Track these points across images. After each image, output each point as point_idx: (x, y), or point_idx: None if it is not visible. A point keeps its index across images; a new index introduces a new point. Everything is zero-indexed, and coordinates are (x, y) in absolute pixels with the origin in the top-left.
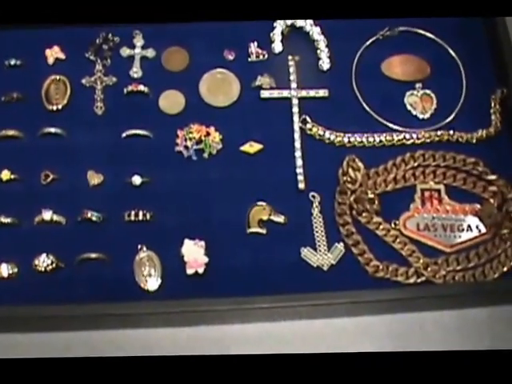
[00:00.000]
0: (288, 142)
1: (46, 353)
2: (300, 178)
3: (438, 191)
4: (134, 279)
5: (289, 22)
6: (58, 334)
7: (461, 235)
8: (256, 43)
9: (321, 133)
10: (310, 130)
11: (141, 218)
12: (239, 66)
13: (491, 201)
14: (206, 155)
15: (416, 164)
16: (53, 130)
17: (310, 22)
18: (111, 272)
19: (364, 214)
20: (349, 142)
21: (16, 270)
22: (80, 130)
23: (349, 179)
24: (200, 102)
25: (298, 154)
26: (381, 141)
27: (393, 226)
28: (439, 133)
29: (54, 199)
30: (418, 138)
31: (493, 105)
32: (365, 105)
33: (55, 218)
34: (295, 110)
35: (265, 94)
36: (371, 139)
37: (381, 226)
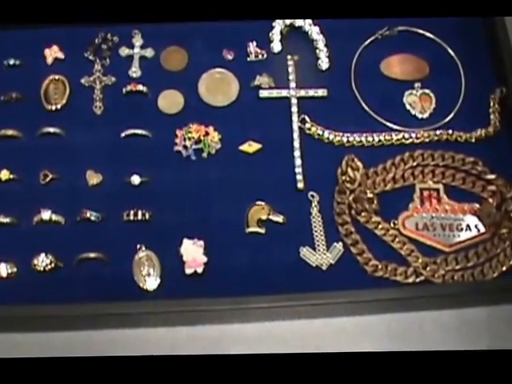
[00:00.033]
0: (287, 141)
1: (45, 352)
2: (299, 177)
3: (437, 191)
4: (133, 279)
5: (288, 21)
6: (57, 333)
7: (460, 235)
8: (255, 43)
9: (320, 132)
10: (309, 129)
11: (140, 217)
12: (238, 65)
13: (490, 200)
14: (204, 155)
15: (415, 163)
16: (52, 129)
17: (308, 21)
18: (110, 272)
19: (363, 214)
20: (348, 141)
21: (15, 269)
22: (79, 130)
23: (348, 179)
24: (199, 101)
25: (296, 153)
26: (380, 140)
27: (392, 225)
28: (438, 132)
29: (53, 199)
30: (416, 138)
31: (492, 104)
32: (364, 104)
33: (54, 217)
34: (294, 109)
35: (264, 93)
36: (370, 139)
37: (380, 226)
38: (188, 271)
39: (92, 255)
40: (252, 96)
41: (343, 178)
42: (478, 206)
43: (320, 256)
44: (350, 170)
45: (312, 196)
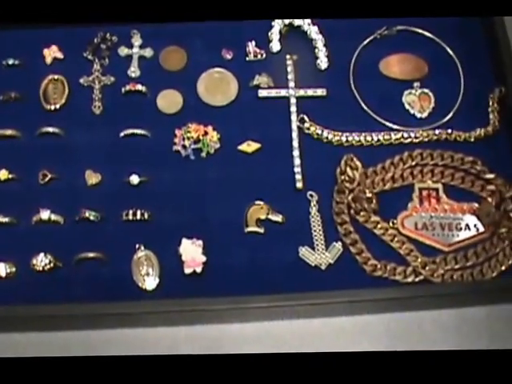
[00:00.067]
0: (286, 141)
1: (44, 352)
2: (298, 177)
3: (436, 190)
4: (132, 278)
5: (287, 21)
6: (56, 333)
7: (459, 234)
8: (254, 42)
9: (319, 132)
10: (308, 129)
11: (139, 217)
12: (237, 65)
13: (489, 200)
14: (203, 154)
15: (414, 163)
16: (51, 129)
17: (307, 21)
18: (109, 271)
19: (362, 213)
20: (347, 141)
21: (14, 269)
22: (78, 130)
23: (347, 178)
24: (198, 101)
25: (295, 153)
26: (379, 140)
27: (391, 225)
28: (437, 132)
29: (52, 199)
30: (415, 137)
31: (491, 104)
32: (363, 104)
33: (53, 217)
34: (293, 109)
35: (263, 93)
36: (369, 138)
37: (379, 225)
38: (187, 271)
39: (91, 255)
40: (251, 96)
41: (342, 177)
42: (477, 205)
43: (319, 255)
44: (348, 169)
45: (311, 195)
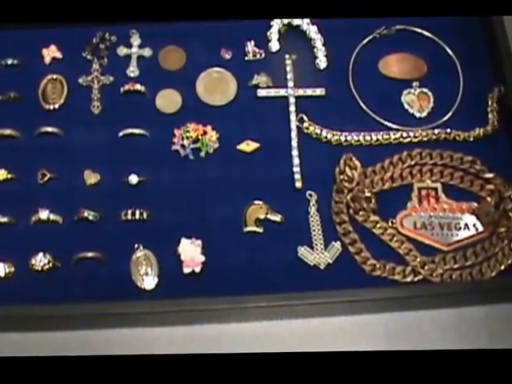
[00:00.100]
0: (285, 140)
1: (42, 352)
2: (297, 176)
3: (435, 190)
4: (131, 278)
5: (286, 20)
6: (54, 333)
7: (458, 234)
8: (253, 42)
9: (318, 131)
10: (307, 128)
11: (137, 217)
12: (236, 64)
13: (488, 199)
14: (202, 154)
15: (413, 162)
16: (50, 129)
17: (306, 20)
18: (108, 271)
19: (361, 213)
20: (346, 140)
21: (13, 269)
22: (77, 130)
23: (346, 178)
24: (197, 101)
25: (294, 152)
26: (378, 139)
27: (390, 224)
28: (436, 131)
29: (51, 198)
30: (415, 137)
31: (490, 103)
32: (362, 103)
33: (52, 217)
34: (292, 108)
35: (262, 92)
36: (368, 138)
37: (378, 225)
38: (186, 271)
39: (90, 255)
40: (250, 95)
41: (341, 177)
42: (476, 204)
43: (318, 255)
44: (347, 169)
45: (310, 195)
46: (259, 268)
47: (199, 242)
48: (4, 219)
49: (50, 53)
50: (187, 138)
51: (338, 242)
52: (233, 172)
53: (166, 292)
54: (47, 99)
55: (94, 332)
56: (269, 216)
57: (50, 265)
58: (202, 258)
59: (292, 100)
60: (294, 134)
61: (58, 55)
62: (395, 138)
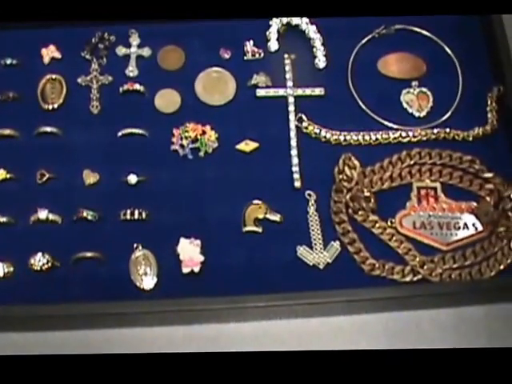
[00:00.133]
0: (284, 140)
1: (42, 352)
2: (296, 176)
3: (435, 189)
4: (130, 278)
5: (285, 20)
6: (53, 333)
7: (457, 233)
8: (252, 42)
9: (317, 131)
10: (306, 128)
11: (136, 216)
12: (235, 64)
13: (488, 199)
14: (201, 154)
15: (412, 162)
16: (49, 129)
17: (305, 20)
18: (107, 271)
19: (360, 213)
20: (345, 140)
21: (12, 269)
22: (76, 129)
23: (345, 177)
24: (196, 100)
25: (293, 152)
26: (377, 139)
27: (389, 224)
28: (435, 131)
29: (50, 198)
30: (414, 136)
31: (489, 103)
32: (361, 103)
33: (51, 217)
34: (291, 108)
35: (261, 92)
36: (367, 137)
37: (377, 225)
38: (185, 270)
39: (89, 254)
40: (249, 95)
41: (340, 176)
42: (475, 204)
43: (317, 255)
44: (347, 168)
45: (309, 195)
46: (258, 268)
47: (198, 241)
48: (3, 219)
49: (49, 53)
50: (186, 137)
51: (337, 242)
52: (232, 172)
53: (165, 292)
54: (46, 99)
55: (93, 332)
56: (268, 216)
57: (49, 264)
58: (201, 258)
59: (291, 100)
60: (293, 134)
61: (57, 55)
62: (394, 138)
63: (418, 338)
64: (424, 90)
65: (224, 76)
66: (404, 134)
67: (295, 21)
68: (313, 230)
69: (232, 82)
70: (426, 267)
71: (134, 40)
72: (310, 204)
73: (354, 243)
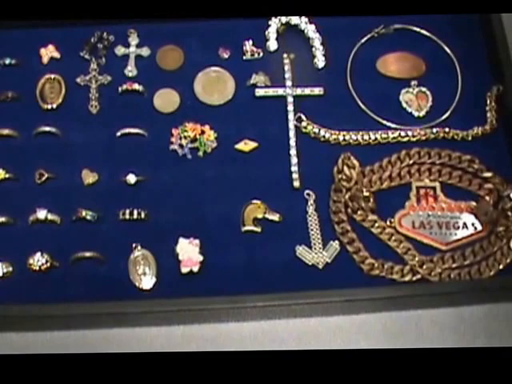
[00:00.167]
0: (283, 140)
1: (40, 352)
2: (295, 176)
3: (434, 189)
4: (129, 278)
5: (284, 19)
6: (52, 333)
7: (456, 233)
8: (251, 41)
9: (316, 131)
10: (305, 128)
11: (135, 216)
12: (234, 64)
13: (487, 198)
14: (200, 154)
15: (411, 161)
16: (47, 128)
17: (304, 19)
18: (106, 271)
19: (359, 212)
20: (344, 139)
21: (10, 268)
22: (75, 129)
23: (344, 177)
24: (195, 100)
25: (292, 152)
26: (376, 138)
27: (388, 223)
28: (435, 130)
29: (49, 198)
30: (413, 136)
31: (488, 102)
32: (360, 103)
33: (50, 216)
34: (290, 108)
35: (260, 92)
36: (366, 137)
37: (376, 224)
38: (184, 270)
39: (88, 254)
40: (248, 95)
41: (339, 176)
42: (474, 204)
43: (316, 254)
44: (346, 168)
45: (308, 194)
46: (257, 267)
47: (197, 241)
48: (2, 219)
49: (48, 52)
50: (185, 137)
51: (336, 242)
52: (231, 171)
53: (164, 292)
54: (45, 99)
55: (92, 332)
56: (267, 215)
57: (48, 264)
58: (200, 258)
59: (290, 99)
60: (292, 134)
61: (56, 55)
62: (393, 137)
63: (417, 338)
64: (423, 89)
65: (223, 76)
66: (403, 134)
67: (294, 20)
68: (312, 230)
69: (231, 82)
70: (425, 267)
71: (133, 40)
72: (309, 204)
73: (353, 243)
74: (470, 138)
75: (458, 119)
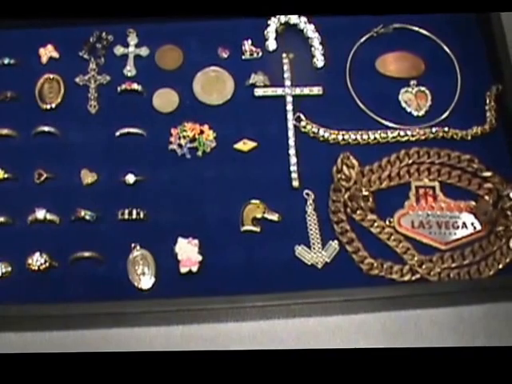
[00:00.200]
0: (282, 139)
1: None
2: (294, 175)
3: (433, 188)
4: (128, 278)
5: (283, 19)
6: (51, 333)
7: (456, 232)
8: (250, 41)
9: (315, 130)
10: (304, 127)
11: (134, 216)
12: (233, 63)
13: (486, 198)
14: (199, 153)
15: (411, 161)
16: (46, 128)
17: (304, 19)
18: (105, 271)
19: (358, 212)
20: (343, 139)
21: (9, 268)
22: (74, 129)
23: (343, 177)
24: (194, 100)
25: (292, 151)
26: (375, 138)
27: (387, 223)
28: (434, 130)
29: (48, 198)
30: (412, 135)
31: (488, 101)
32: (359, 102)
33: (49, 216)
34: (289, 107)
35: (259, 91)
36: (365, 136)
37: (375, 224)
38: (183, 270)
39: (86, 254)
40: (247, 94)
41: (338, 176)
42: (474, 203)
43: (315, 254)
44: (345, 168)
45: (307, 194)
46: (256, 267)
47: (196, 241)
48: (1, 219)
49: (47, 52)
50: (184, 137)
51: (336, 241)
52: (230, 171)
53: (162, 292)
54: (44, 99)
55: (90, 332)
56: (266, 215)
57: (47, 264)
58: (199, 258)
59: (289, 99)
60: (291, 133)
61: (55, 55)
62: (393, 137)
63: (417, 338)
64: (422, 88)
65: (222, 75)
66: (402, 133)
67: (293, 20)
68: (311, 230)
69: (230, 82)
70: (424, 266)
71: (132, 39)
72: (309, 203)
73: (353, 242)
74: (469, 138)
75: (458, 119)
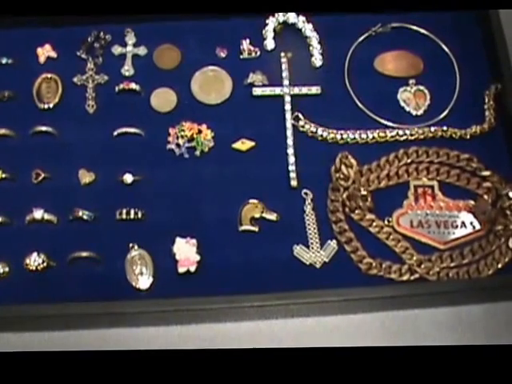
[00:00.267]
0: (280, 139)
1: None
2: (292, 175)
3: (432, 188)
4: (126, 278)
5: (281, 18)
6: (49, 333)
7: (455, 232)
8: (248, 40)
9: (313, 130)
10: (303, 127)
11: (132, 216)
12: (231, 63)
13: (485, 197)
14: (197, 153)
15: (409, 160)
16: (44, 128)
17: (302, 18)
18: (103, 271)
19: (357, 211)
20: (341, 138)
21: (7, 269)
22: (71, 129)
23: (341, 176)
24: (192, 99)
25: (290, 151)
26: (374, 137)
27: (386, 223)
28: (433, 129)
29: (46, 198)
30: (411, 135)
31: (487, 101)
32: (358, 101)
33: (46, 216)
34: (287, 107)
35: (257, 91)
36: (364, 136)
37: (374, 223)
38: (181, 270)
39: (84, 254)
40: (245, 94)
41: (337, 175)
42: (473, 202)
43: (314, 254)
44: (343, 167)
45: (306, 194)
46: (255, 267)
47: (194, 241)
48: None
49: (45, 52)
50: (182, 136)
51: (334, 241)
52: (228, 171)
53: (160, 291)
54: (42, 98)
55: (89, 332)
56: (264, 215)
57: (45, 264)
58: (197, 258)
59: (287, 98)
60: (289, 133)
61: (53, 54)
62: (391, 136)
63: (416, 338)
64: (421, 88)
65: (220, 75)
66: (401, 133)
67: (291, 19)
68: (309, 229)
69: (228, 81)
70: (423, 266)
71: (130, 39)
72: (307, 203)
73: (351, 242)
74: (468, 137)
75: (456, 118)
